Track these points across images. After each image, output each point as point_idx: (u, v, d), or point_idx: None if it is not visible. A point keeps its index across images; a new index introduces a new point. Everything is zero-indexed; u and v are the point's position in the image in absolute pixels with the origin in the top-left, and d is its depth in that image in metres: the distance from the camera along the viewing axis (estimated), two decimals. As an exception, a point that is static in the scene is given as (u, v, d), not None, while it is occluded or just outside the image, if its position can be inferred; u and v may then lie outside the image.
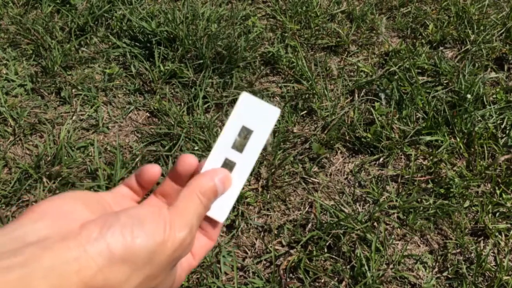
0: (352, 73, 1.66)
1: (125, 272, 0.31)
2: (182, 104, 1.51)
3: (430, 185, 1.32)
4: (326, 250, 1.18)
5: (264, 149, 1.34)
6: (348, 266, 1.15)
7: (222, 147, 0.40)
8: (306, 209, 1.27)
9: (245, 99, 0.41)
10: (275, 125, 1.43)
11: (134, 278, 0.32)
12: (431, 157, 1.37)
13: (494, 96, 1.55)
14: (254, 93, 1.52)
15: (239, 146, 0.40)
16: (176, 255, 0.34)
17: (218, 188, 0.39)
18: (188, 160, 0.39)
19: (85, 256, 0.29)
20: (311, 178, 1.33)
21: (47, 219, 0.32)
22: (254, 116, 0.40)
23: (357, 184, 1.32)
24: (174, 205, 0.36)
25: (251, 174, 1.30)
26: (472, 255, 1.19)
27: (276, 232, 1.22)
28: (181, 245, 0.34)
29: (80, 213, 0.33)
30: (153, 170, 0.39)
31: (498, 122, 1.46)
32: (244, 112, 0.40)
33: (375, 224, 1.23)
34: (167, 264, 0.34)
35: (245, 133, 0.40)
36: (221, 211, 0.39)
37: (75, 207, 0.34)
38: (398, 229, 1.24)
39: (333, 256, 1.16)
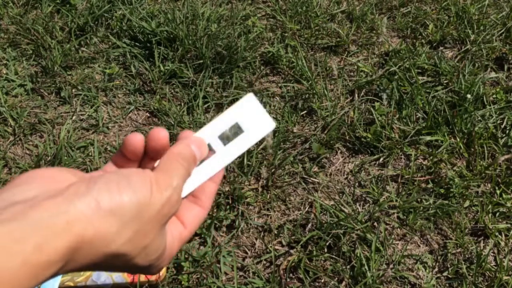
0: (352, 73, 1.66)
1: (114, 224, 0.31)
2: (182, 104, 1.51)
3: (430, 185, 1.32)
4: (326, 250, 1.18)
5: (264, 149, 1.34)
6: (348, 266, 1.15)
7: (210, 132, 0.41)
8: (306, 209, 1.27)
9: (250, 100, 0.42)
10: (276, 126, 1.43)
11: (124, 231, 0.32)
12: (431, 157, 1.37)
13: (494, 96, 1.55)
14: (254, 93, 1.52)
15: (225, 139, 0.41)
16: (164, 211, 0.34)
17: (196, 153, 0.39)
18: (159, 135, 0.38)
19: (74, 209, 0.30)
20: (311, 178, 1.33)
21: (33, 182, 0.32)
22: (251, 119, 0.41)
23: (357, 184, 1.32)
24: (157, 168, 0.37)
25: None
26: (472, 255, 1.19)
27: (276, 232, 1.22)
28: (168, 202, 0.34)
29: (66, 177, 0.34)
30: (136, 139, 0.38)
31: (498, 122, 1.46)
32: (244, 111, 0.41)
33: (375, 224, 1.23)
34: (157, 220, 0.34)
35: (235, 130, 0.41)
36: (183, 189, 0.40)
37: (61, 173, 0.34)
38: (398, 229, 1.24)
39: (333, 256, 1.16)
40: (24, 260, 0.27)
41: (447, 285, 1.15)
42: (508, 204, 1.27)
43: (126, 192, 0.32)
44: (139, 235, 0.33)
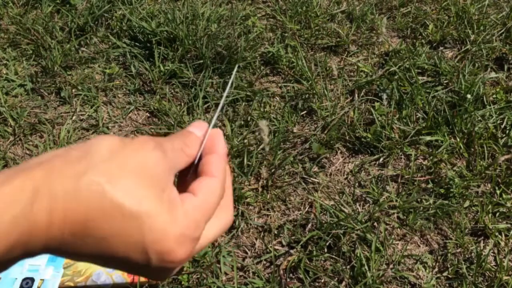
0: (352, 73, 1.66)
1: (84, 157, 0.31)
2: (182, 104, 1.51)
3: (430, 185, 1.32)
4: (326, 250, 1.18)
5: (263, 149, 1.34)
6: (348, 266, 1.15)
7: (217, 117, 0.43)
8: (306, 209, 1.27)
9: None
10: (275, 125, 1.43)
11: (96, 162, 0.30)
12: (431, 157, 1.37)
13: (494, 96, 1.55)
14: (254, 93, 1.52)
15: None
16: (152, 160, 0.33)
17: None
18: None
19: (46, 156, 0.31)
20: (311, 178, 1.33)
21: None
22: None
23: (357, 184, 1.32)
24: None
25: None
26: (472, 255, 1.19)
27: (276, 232, 1.22)
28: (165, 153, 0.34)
29: None
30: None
31: (498, 122, 1.46)
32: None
33: (375, 224, 1.23)
34: (154, 160, 0.32)
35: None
36: None
37: None
38: (398, 229, 1.24)
39: (333, 256, 1.16)
40: None
41: (447, 285, 1.15)
42: (508, 204, 1.27)
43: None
44: (117, 166, 0.31)
